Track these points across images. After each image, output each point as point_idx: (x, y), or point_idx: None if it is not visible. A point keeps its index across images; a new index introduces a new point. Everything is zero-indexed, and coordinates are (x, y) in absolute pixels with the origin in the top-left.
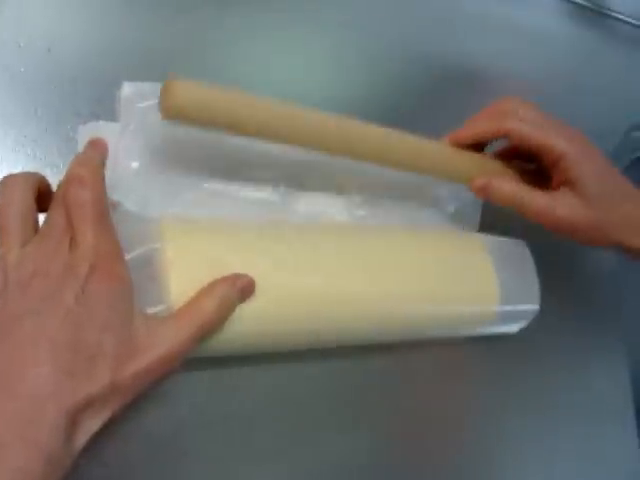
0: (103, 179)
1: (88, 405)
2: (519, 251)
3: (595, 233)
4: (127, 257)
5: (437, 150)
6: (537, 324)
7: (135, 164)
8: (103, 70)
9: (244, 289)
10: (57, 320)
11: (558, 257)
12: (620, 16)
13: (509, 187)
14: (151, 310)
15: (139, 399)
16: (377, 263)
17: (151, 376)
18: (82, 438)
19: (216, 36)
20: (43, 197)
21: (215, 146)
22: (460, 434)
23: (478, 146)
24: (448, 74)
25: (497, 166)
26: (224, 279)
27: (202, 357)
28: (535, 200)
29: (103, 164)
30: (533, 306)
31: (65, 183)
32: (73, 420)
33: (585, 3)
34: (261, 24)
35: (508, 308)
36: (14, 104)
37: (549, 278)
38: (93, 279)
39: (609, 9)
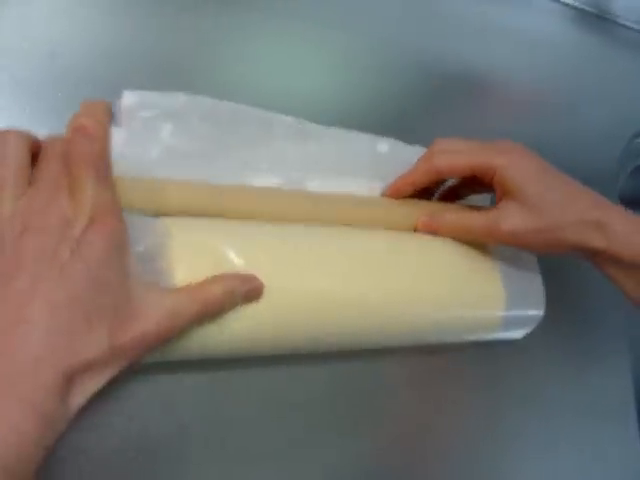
0: (108, 132)
1: (85, 368)
2: (525, 256)
3: (549, 239)
4: (134, 250)
5: (378, 203)
6: (539, 324)
7: (136, 172)
8: (107, 74)
9: (251, 291)
10: (52, 277)
11: (560, 259)
12: (624, 22)
13: (450, 215)
14: None
15: (140, 401)
16: (382, 266)
17: (148, 344)
18: (78, 400)
19: (219, 40)
20: (35, 157)
21: (218, 156)
22: (462, 436)
23: (425, 193)
24: (450, 80)
25: (440, 206)
26: (235, 274)
27: (204, 359)
28: (478, 220)
29: (109, 117)
30: (538, 312)
31: (69, 132)
32: (69, 382)
33: (589, 9)
34: (262, 28)
35: (514, 313)
36: (18, 108)
37: (551, 278)
38: (90, 232)
39: (613, 14)
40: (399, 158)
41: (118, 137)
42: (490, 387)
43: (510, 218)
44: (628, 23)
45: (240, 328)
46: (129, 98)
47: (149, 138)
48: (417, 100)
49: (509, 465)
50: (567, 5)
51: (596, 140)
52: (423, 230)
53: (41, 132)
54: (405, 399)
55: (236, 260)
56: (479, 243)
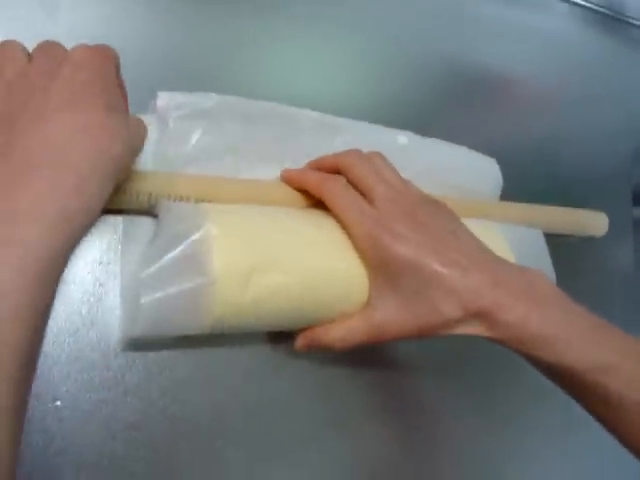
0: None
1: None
2: (535, 239)
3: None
4: (174, 234)
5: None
6: None
7: (170, 168)
8: (141, 77)
9: None
10: (57, 90)
11: (569, 255)
12: (636, 22)
13: (328, 336)
14: (193, 282)
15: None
16: None
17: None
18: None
19: (242, 43)
20: None
21: (248, 152)
22: (465, 437)
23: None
24: (466, 79)
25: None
26: None
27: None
28: (352, 324)
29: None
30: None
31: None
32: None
33: (601, 9)
34: (283, 31)
35: None
36: None
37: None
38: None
39: (625, 15)
40: (417, 149)
41: (153, 136)
42: (492, 387)
43: (382, 308)
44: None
45: (272, 302)
46: (163, 99)
47: (183, 136)
48: (435, 99)
49: (512, 464)
50: (580, 6)
51: (610, 137)
52: (301, 350)
53: None
54: (411, 400)
55: (268, 241)
56: (489, 225)
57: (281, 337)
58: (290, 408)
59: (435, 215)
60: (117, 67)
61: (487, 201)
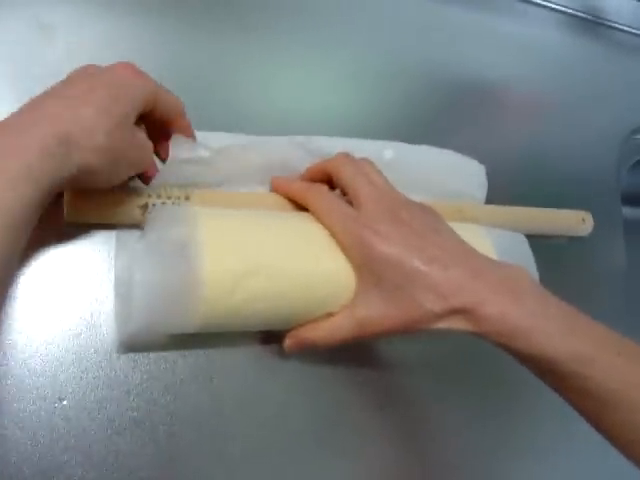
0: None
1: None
2: (519, 243)
3: (409, 327)
4: (165, 237)
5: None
6: None
7: None
8: None
9: None
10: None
11: (558, 257)
12: (616, 25)
13: (314, 334)
14: (182, 284)
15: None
16: None
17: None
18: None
19: (233, 61)
20: None
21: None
22: (463, 436)
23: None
24: (452, 88)
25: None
26: None
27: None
28: (336, 321)
29: None
30: None
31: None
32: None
33: (581, 14)
34: (268, 48)
35: None
36: None
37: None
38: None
39: (605, 19)
40: (403, 162)
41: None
42: (489, 390)
43: (365, 300)
44: (619, 26)
45: (259, 304)
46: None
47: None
48: (420, 108)
49: (513, 466)
50: (561, 12)
51: (595, 139)
52: (290, 350)
53: None
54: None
55: (253, 247)
56: (474, 228)
57: (279, 337)
58: (287, 405)
59: (418, 214)
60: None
61: (472, 204)
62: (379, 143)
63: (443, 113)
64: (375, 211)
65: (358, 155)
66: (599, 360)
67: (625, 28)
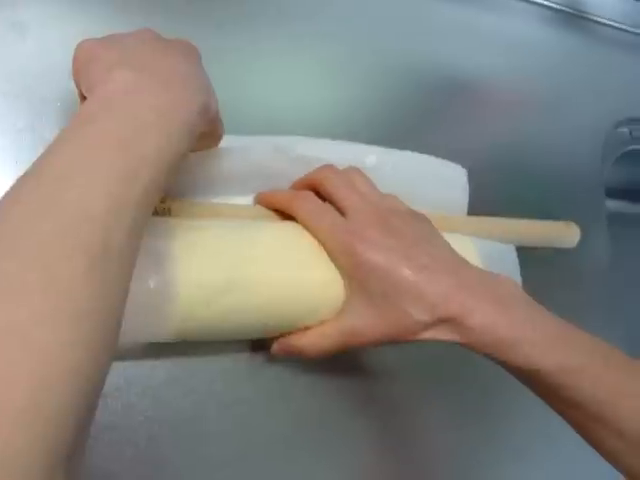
0: None
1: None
2: (507, 253)
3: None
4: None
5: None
6: None
7: None
8: None
9: None
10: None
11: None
12: (597, 18)
13: (302, 342)
14: (157, 297)
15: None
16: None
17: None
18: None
19: (214, 58)
20: None
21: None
22: (447, 439)
23: None
24: (436, 85)
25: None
26: None
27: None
28: (324, 330)
29: None
30: None
31: None
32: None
33: (564, 8)
34: (245, 44)
35: None
36: (41, 126)
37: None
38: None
39: (586, 12)
40: (384, 169)
41: None
42: (484, 392)
43: (353, 308)
44: (601, 19)
45: (237, 316)
46: None
47: None
48: (404, 106)
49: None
50: (543, 6)
51: (579, 134)
52: (278, 354)
53: None
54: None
55: (226, 256)
56: (463, 239)
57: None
58: (268, 409)
59: (409, 222)
60: None
61: (457, 216)
62: (361, 148)
63: (425, 111)
64: (363, 220)
65: (340, 161)
66: (587, 371)
67: (607, 22)
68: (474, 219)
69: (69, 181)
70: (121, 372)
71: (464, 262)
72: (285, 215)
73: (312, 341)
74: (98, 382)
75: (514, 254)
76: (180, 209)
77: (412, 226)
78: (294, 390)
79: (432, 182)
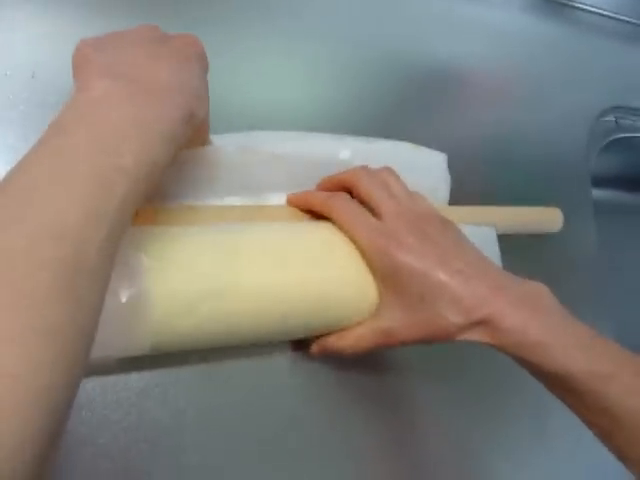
0: None
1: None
2: (487, 236)
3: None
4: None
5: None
6: None
7: None
8: None
9: None
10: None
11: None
12: (581, 5)
13: (340, 343)
14: (129, 304)
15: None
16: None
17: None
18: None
19: None
20: None
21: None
22: (458, 439)
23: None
24: (420, 76)
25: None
26: None
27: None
28: (361, 332)
29: None
30: None
31: None
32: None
33: None
34: (235, 37)
35: None
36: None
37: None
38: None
39: (572, 0)
40: (362, 162)
41: None
42: (478, 392)
43: (389, 311)
44: (585, 7)
45: (218, 325)
46: None
47: None
48: (383, 96)
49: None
50: None
51: (564, 123)
52: (317, 354)
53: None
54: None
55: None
56: None
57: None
58: (246, 417)
59: (440, 227)
60: None
61: (439, 205)
62: (335, 141)
63: (408, 101)
64: (399, 225)
65: (313, 158)
66: (617, 377)
67: (592, 9)
68: (456, 207)
69: (39, 194)
70: (95, 383)
71: (494, 266)
72: (317, 215)
73: (350, 343)
74: (68, 399)
75: (494, 235)
76: (166, 213)
77: (443, 231)
78: (272, 396)
79: (409, 170)
